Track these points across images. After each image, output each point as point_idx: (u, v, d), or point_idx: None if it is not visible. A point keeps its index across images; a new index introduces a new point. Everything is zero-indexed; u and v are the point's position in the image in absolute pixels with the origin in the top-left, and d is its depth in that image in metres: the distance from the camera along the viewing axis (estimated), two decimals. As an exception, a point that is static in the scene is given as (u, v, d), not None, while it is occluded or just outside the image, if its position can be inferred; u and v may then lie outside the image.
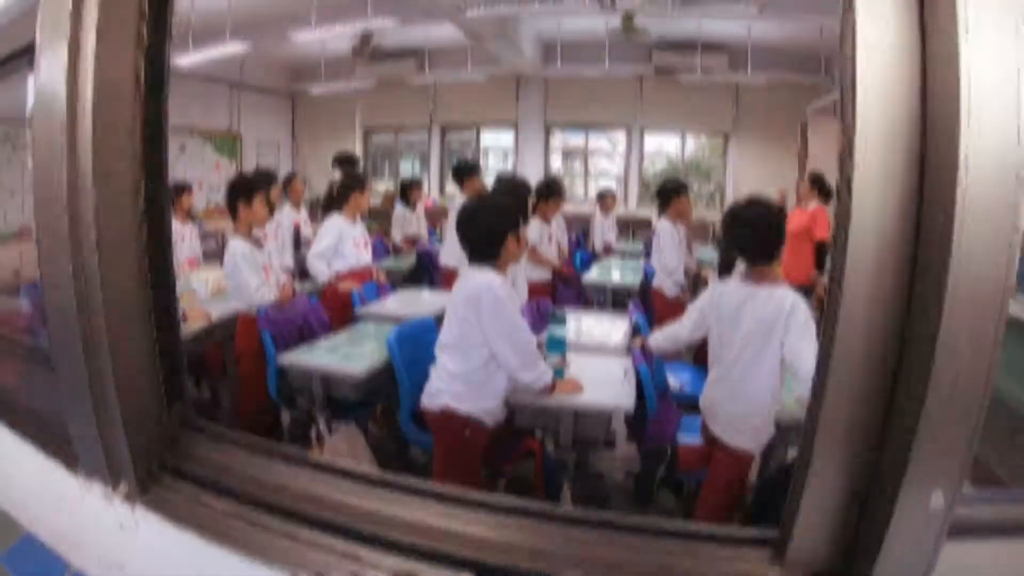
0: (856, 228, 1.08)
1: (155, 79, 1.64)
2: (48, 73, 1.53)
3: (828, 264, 5.24)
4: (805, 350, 2.32)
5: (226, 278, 3.76)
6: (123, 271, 1.61)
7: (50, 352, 1.76)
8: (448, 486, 1.62)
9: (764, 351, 2.46)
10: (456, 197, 5.81)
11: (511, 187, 4.13)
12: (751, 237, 2.54)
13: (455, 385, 2.58)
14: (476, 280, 2.55)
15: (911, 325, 1.09)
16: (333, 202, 4.66)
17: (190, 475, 1.69)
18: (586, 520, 1.47)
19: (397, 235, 7.20)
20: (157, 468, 1.72)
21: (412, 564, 1.39)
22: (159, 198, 1.69)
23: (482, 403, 2.60)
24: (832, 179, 5.34)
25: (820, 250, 5.30)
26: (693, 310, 2.81)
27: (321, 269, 4.39)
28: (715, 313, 2.65)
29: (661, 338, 2.93)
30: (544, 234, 5.28)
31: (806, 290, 5.49)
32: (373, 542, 1.44)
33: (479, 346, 2.55)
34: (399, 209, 7.24)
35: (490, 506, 1.51)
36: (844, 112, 1.08)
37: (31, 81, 2.40)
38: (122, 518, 1.70)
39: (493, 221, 2.60)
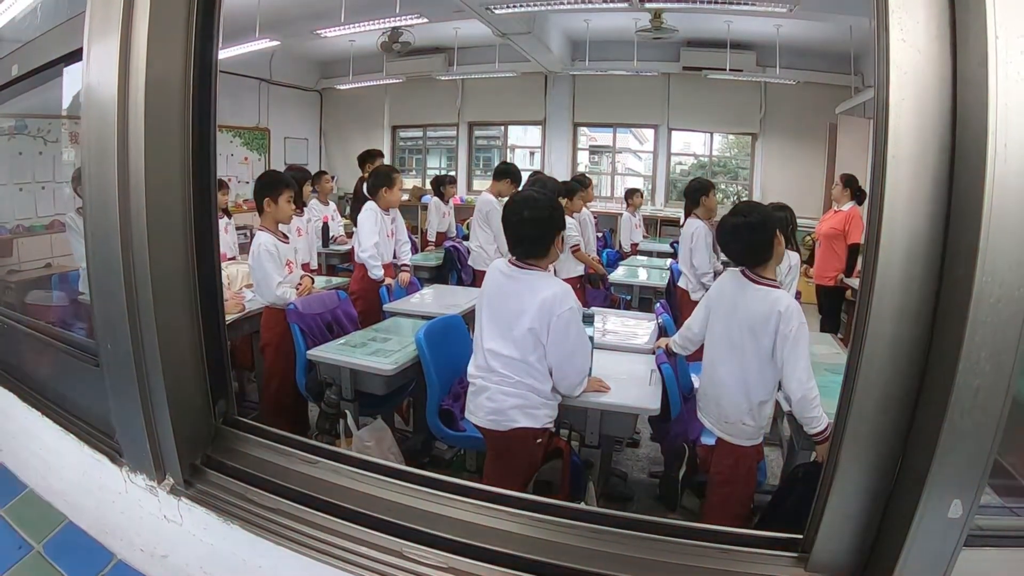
0: (885, 248, 1.11)
1: (203, 75, 1.69)
2: (99, 71, 1.59)
3: (859, 268, 5.18)
4: (796, 369, 2.36)
5: (251, 271, 3.77)
6: (172, 269, 1.67)
7: (97, 349, 1.82)
8: (485, 486, 1.66)
9: (747, 346, 2.48)
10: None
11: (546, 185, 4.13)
12: (736, 243, 2.59)
13: (530, 400, 2.46)
14: (547, 290, 2.40)
15: (936, 340, 1.12)
16: (364, 196, 4.70)
17: (233, 470, 1.75)
18: (617, 519, 1.50)
19: (431, 230, 7.24)
20: (201, 463, 1.78)
21: (451, 557, 1.44)
22: (206, 196, 1.73)
23: (554, 412, 2.55)
24: (862, 180, 5.28)
25: (854, 252, 5.20)
26: (701, 307, 2.84)
27: (379, 271, 4.44)
28: (715, 305, 2.71)
29: (679, 339, 2.95)
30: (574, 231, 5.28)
31: (834, 290, 5.42)
32: (414, 537, 1.49)
33: (544, 357, 2.43)
34: (435, 202, 7.30)
35: (527, 504, 1.55)
36: (876, 134, 1.10)
37: (67, 77, 2.46)
38: (166, 510, 1.76)
39: (546, 218, 2.46)
